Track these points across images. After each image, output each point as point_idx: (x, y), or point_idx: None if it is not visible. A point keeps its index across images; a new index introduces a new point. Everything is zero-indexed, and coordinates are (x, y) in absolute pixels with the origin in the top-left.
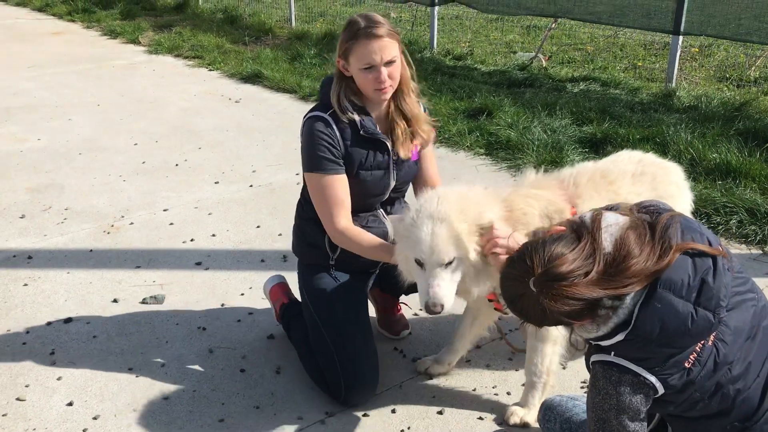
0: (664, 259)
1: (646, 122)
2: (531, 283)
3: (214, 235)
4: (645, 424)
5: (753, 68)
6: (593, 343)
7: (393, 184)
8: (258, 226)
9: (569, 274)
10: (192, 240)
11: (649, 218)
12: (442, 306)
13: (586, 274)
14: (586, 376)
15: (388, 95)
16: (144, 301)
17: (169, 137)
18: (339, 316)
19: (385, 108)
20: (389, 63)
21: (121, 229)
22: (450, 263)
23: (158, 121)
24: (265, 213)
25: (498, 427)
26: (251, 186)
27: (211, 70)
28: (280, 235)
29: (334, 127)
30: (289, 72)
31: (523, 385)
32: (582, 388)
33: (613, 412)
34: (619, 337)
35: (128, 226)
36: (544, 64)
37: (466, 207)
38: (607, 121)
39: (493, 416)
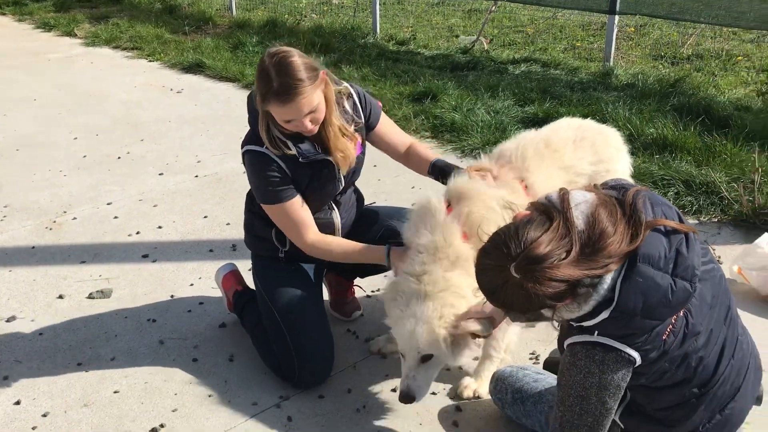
0: (637, 238)
1: (586, 101)
2: (512, 269)
3: (160, 227)
4: (618, 400)
5: (686, 46)
6: (575, 324)
7: (342, 186)
8: (205, 217)
9: (549, 255)
10: (138, 233)
11: (616, 194)
12: (413, 398)
13: (567, 253)
14: (535, 347)
15: (315, 131)
16: (91, 296)
17: (111, 130)
18: (293, 301)
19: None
20: (311, 112)
21: (63, 224)
22: (429, 357)
23: (98, 115)
24: (211, 203)
25: (451, 401)
26: (196, 176)
27: (151, 61)
28: (228, 224)
29: (275, 158)
30: (231, 61)
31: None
32: (530, 359)
33: (594, 389)
34: (604, 315)
35: (71, 221)
36: (486, 47)
37: (447, 304)
38: (548, 101)
39: (446, 390)
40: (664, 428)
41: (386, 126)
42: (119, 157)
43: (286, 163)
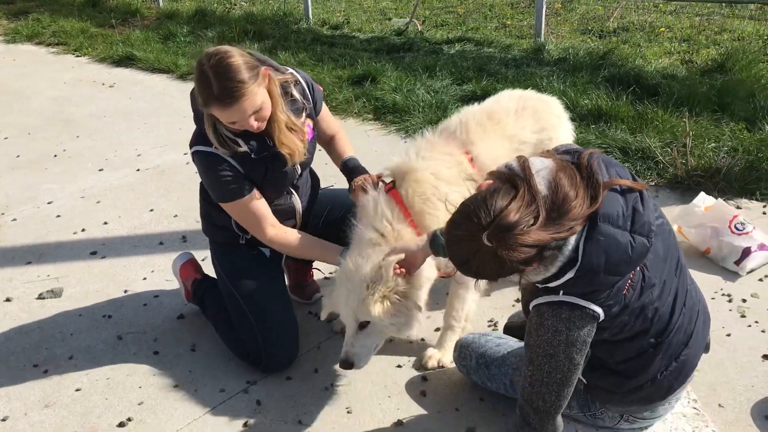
0: (596, 199)
1: (521, 77)
2: (484, 238)
3: (106, 223)
4: (584, 356)
5: (612, 19)
6: (541, 286)
7: (299, 172)
8: (151, 210)
9: (518, 222)
10: (83, 230)
11: (571, 158)
12: (352, 364)
13: (535, 219)
14: (493, 315)
15: (263, 128)
16: (41, 297)
17: (43, 128)
18: (257, 287)
19: None
20: (255, 111)
21: (3, 226)
22: (366, 324)
23: (27, 113)
24: (156, 196)
25: (417, 372)
26: (138, 170)
27: (78, 56)
28: (175, 216)
29: (225, 157)
30: (163, 52)
31: (437, 330)
32: (489, 326)
33: (562, 347)
34: (569, 275)
35: (11, 222)
36: (420, 28)
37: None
38: (485, 79)
39: (411, 363)
40: (625, 379)
41: (325, 113)
42: (55, 155)
43: (237, 160)
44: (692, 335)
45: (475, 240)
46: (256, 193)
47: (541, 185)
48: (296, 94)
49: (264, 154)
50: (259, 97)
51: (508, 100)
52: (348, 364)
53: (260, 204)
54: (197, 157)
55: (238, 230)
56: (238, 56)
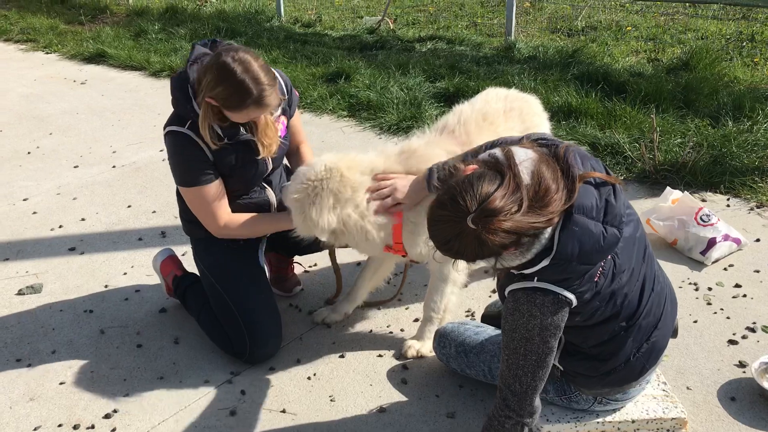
0: (573, 193)
1: (492, 74)
2: (469, 221)
3: (83, 219)
4: (558, 339)
5: (580, 18)
6: (517, 272)
7: (270, 167)
8: (129, 206)
9: (503, 209)
10: (60, 227)
11: (548, 151)
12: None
13: (518, 207)
14: (470, 305)
15: None
16: (20, 293)
17: (15, 125)
18: (240, 281)
19: None
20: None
21: None
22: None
23: None
24: (134, 192)
25: (397, 362)
26: (114, 167)
27: (48, 53)
28: (153, 212)
29: (197, 140)
30: (134, 49)
31: (416, 321)
32: (467, 316)
33: (536, 330)
34: (544, 263)
35: None
36: (392, 26)
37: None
38: (457, 76)
39: (391, 352)
40: (599, 363)
41: (297, 119)
42: (29, 152)
43: (208, 147)
44: (661, 317)
45: (460, 222)
46: (217, 183)
47: (525, 175)
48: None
49: (236, 138)
50: (276, 97)
51: (497, 100)
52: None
53: (220, 195)
54: (170, 137)
55: None
56: (254, 59)
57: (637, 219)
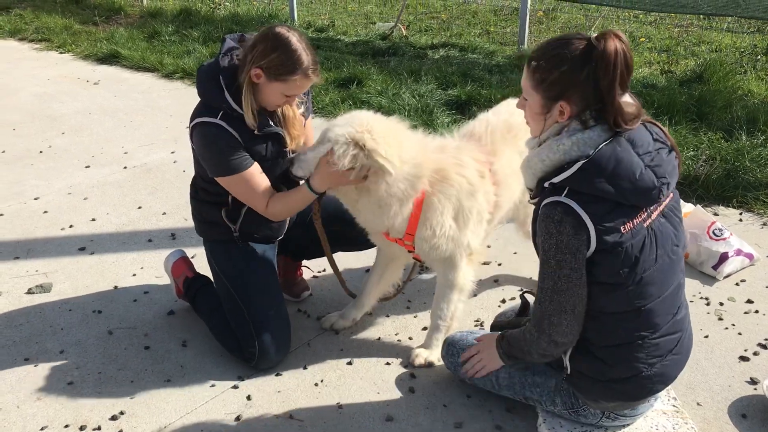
0: (638, 117)
1: (505, 83)
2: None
3: (94, 220)
4: (582, 275)
5: (593, 28)
6: (547, 186)
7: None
8: (140, 207)
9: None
10: (71, 226)
11: None
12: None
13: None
14: (479, 315)
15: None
16: (30, 291)
17: (28, 124)
18: (254, 286)
19: None
20: None
21: None
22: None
23: (11, 109)
24: (144, 193)
25: (404, 369)
26: (125, 168)
27: (62, 52)
28: (164, 214)
29: (230, 129)
30: (148, 50)
31: (424, 329)
32: (476, 326)
33: (552, 252)
34: (576, 166)
35: None
36: (404, 32)
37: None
38: (469, 84)
39: (399, 360)
40: (606, 367)
41: (309, 124)
42: (41, 152)
43: (241, 135)
44: (677, 345)
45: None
46: (257, 165)
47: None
48: None
49: (266, 129)
50: None
51: (519, 113)
52: (288, 161)
53: (261, 176)
54: (201, 128)
55: (229, 222)
56: (303, 36)
57: (681, 256)
